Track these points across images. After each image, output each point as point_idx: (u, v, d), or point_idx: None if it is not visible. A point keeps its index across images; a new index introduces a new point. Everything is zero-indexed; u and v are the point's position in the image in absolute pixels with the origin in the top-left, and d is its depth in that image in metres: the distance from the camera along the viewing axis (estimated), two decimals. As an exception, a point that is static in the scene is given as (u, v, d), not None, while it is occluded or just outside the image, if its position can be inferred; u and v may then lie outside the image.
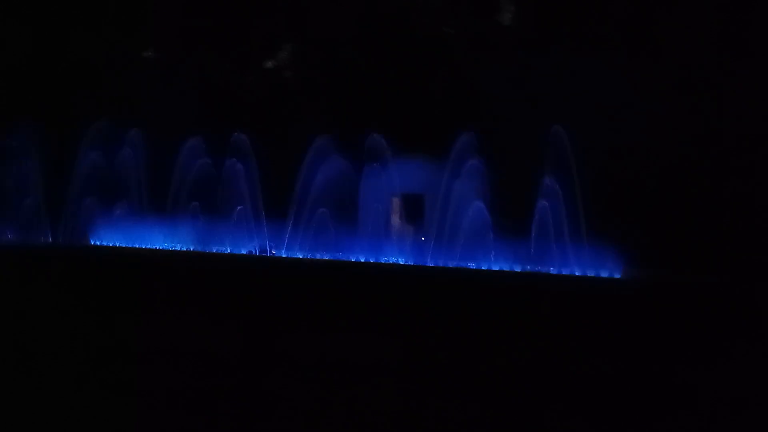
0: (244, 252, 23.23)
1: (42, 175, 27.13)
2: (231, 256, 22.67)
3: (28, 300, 14.10)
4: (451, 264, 23.31)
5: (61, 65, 29.20)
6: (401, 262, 23.72)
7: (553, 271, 22.65)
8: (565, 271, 22.52)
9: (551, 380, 9.01)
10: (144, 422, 6.68)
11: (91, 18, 29.37)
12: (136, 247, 24.27)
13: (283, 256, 22.79)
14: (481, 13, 30.62)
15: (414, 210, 27.05)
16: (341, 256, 22.50)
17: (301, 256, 22.46)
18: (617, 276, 21.72)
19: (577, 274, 22.18)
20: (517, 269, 23.05)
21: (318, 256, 22.60)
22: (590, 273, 22.17)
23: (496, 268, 22.81)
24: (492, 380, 8.93)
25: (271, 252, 23.05)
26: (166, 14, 30.62)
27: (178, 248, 22.70)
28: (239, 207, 23.82)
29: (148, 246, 23.42)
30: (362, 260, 22.72)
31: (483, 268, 22.94)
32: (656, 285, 20.27)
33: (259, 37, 31.96)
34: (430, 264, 23.44)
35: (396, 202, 27.35)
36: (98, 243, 23.50)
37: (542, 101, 25.27)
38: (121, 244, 24.40)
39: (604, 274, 21.81)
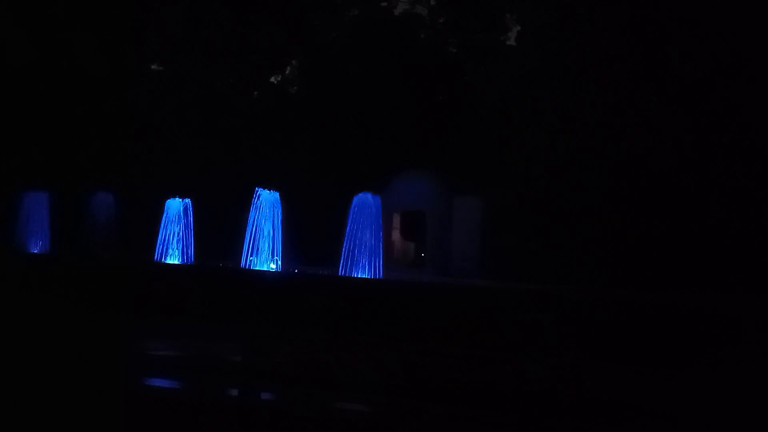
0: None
1: None
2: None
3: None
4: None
5: (60, 76, 29.23)
6: None
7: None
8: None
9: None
10: None
11: (89, 28, 29.47)
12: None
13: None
14: (485, 25, 30.73)
15: (415, 226, 26.84)
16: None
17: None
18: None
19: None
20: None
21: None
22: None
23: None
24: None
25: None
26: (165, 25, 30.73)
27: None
28: None
29: None
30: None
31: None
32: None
33: (258, 52, 32.08)
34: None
35: (396, 217, 27.25)
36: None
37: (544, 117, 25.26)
38: None
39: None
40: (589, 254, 22.56)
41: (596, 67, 24.15)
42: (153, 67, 32.73)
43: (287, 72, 34.65)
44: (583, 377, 9.90)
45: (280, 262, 20.29)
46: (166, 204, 22.08)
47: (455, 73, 31.46)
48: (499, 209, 24.72)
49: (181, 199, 22.10)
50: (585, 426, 8.59)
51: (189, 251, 22.03)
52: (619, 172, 23.39)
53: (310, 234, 23.99)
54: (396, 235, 27.49)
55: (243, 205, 20.59)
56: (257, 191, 20.32)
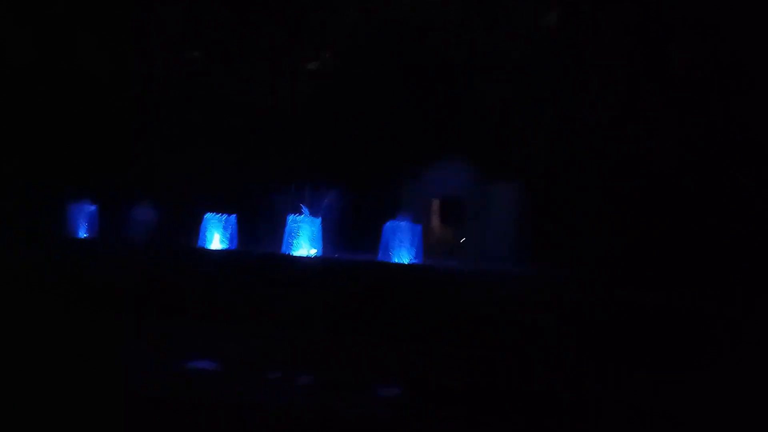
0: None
1: None
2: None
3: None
4: None
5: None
6: None
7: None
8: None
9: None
10: None
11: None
12: None
13: None
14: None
15: (453, 213, 27.07)
16: None
17: None
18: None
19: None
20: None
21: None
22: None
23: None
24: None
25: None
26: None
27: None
28: None
29: None
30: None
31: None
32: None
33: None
34: None
35: (435, 203, 27.56)
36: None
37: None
38: None
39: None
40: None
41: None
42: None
43: (327, 57, 34.33)
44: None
45: (320, 249, 20.77)
46: (204, 218, 21.92)
47: (489, 64, 31.13)
48: (538, 196, 24.76)
49: (219, 215, 21.95)
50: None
51: None
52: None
53: (352, 222, 24.03)
54: (435, 221, 27.70)
55: (280, 203, 20.97)
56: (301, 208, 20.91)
